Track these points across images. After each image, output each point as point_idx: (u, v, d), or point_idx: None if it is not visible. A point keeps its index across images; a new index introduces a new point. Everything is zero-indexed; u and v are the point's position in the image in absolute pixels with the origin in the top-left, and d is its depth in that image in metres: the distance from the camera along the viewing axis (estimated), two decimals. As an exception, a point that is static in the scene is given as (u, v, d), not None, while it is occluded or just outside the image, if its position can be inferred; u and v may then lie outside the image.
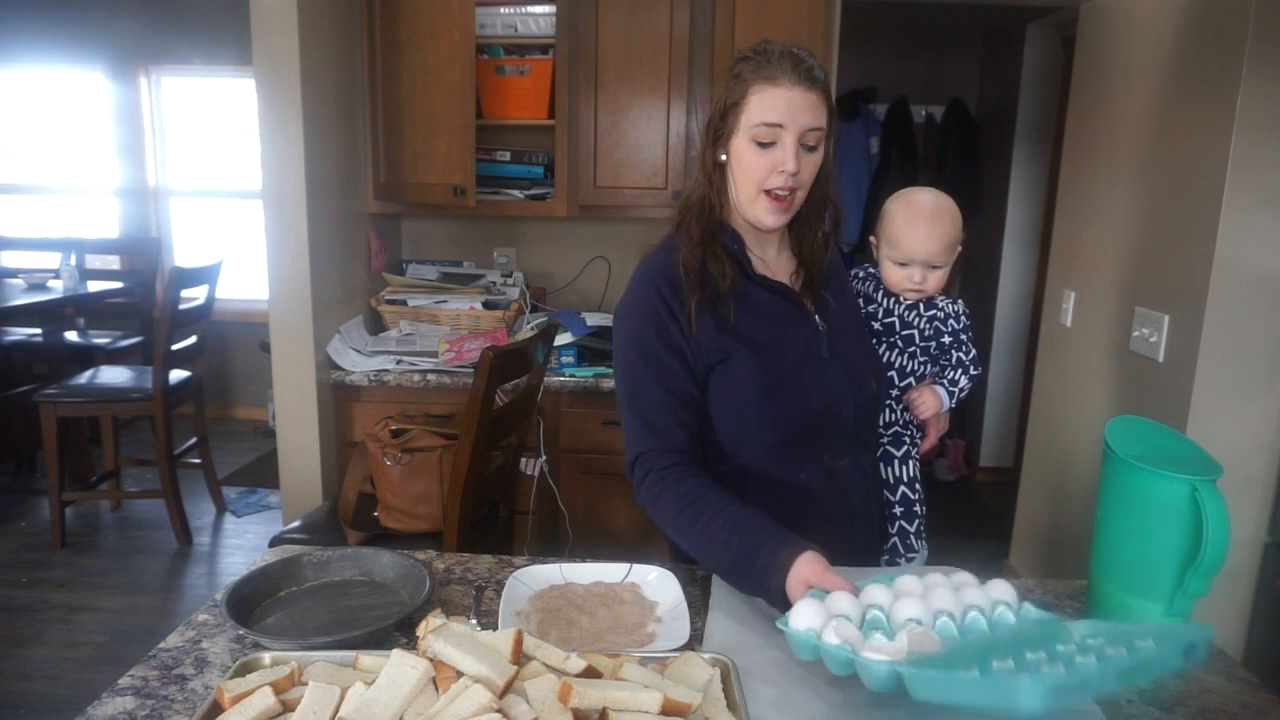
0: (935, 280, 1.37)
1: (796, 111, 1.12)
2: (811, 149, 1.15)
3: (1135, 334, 2.29)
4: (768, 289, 1.23)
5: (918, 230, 1.33)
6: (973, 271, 4.47)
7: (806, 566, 0.99)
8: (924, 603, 0.92)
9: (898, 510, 1.40)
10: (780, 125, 1.12)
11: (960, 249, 1.38)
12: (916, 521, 1.40)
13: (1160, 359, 2.18)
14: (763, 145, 1.14)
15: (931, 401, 1.38)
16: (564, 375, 2.52)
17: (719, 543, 1.07)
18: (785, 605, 0.99)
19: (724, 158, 1.19)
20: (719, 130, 1.18)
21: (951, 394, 1.41)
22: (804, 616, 0.91)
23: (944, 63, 4.43)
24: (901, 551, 1.38)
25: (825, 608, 0.92)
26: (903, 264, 1.36)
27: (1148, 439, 1.03)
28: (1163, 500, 0.95)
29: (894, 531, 1.40)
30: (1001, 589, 0.95)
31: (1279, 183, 1.93)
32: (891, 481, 1.40)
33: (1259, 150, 1.92)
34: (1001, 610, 0.92)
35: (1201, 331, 2.01)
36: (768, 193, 1.16)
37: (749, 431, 1.21)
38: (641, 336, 1.19)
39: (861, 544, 1.31)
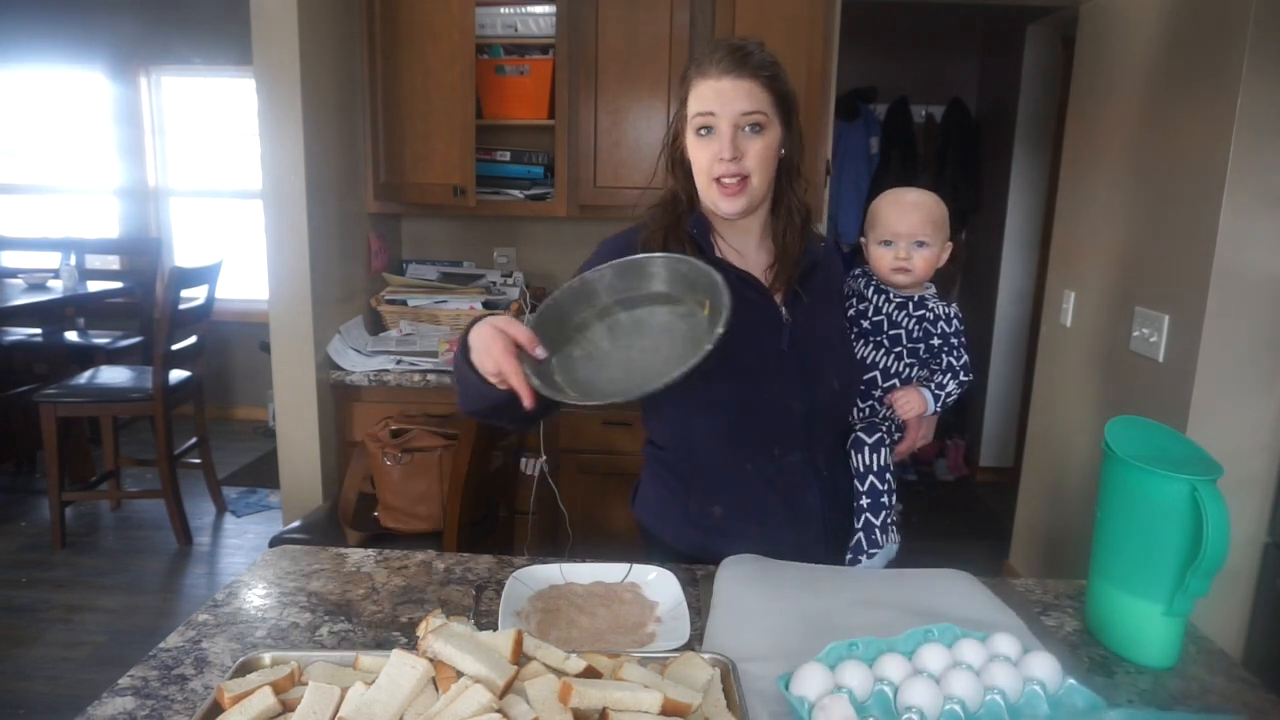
0: (922, 260, 1.35)
1: (726, 99, 1.16)
2: (755, 132, 1.18)
3: (1135, 334, 2.29)
4: (728, 273, 1.24)
5: (901, 207, 1.36)
6: (973, 271, 4.47)
7: (475, 341, 1.05)
8: (935, 687, 0.84)
9: (864, 502, 1.33)
10: (712, 113, 1.16)
11: (951, 244, 1.39)
12: (883, 514, 1.33)
13: (1160, 359, 2.18)
14: (703, 136, 1.18)
15: (916, 403, 1.35)
16: (564, 375, 2.52)
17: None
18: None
19: (686, 154, 1.24)
20: (677, 128, 1.24)
21: (938, 398, 1.37)
22: (806, 682, 0.86)
23: (944, 63, 4.43)
24: (865, 548, 1.32)
25: (832, 677, 0.86)
26: (887, 242, 1.36)
27: (1148, 439, 1.03)
28: (1163, 500, 0.95)
29: (859, 526, 1.33)
30: (1042, 664, 0.87)
31: (1279, 183, 1.93)
32: (861, 469, 1.34)
33: (1259, 150, 1.92)
34: (1032, 693, 0.85)
35: (1201, 331, 2.01)
36: (717, 181, 1.19)
37: (692, 413, 1.24)
38: None
39: (811, 540, 1.28)
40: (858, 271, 1.45)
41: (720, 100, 1.16)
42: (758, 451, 1.25)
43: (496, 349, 1.01)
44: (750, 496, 1.26)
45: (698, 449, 1.26)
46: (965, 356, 1.39)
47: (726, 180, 1.18)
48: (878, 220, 1.38)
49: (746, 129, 1.17)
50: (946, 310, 1.38)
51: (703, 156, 1.19)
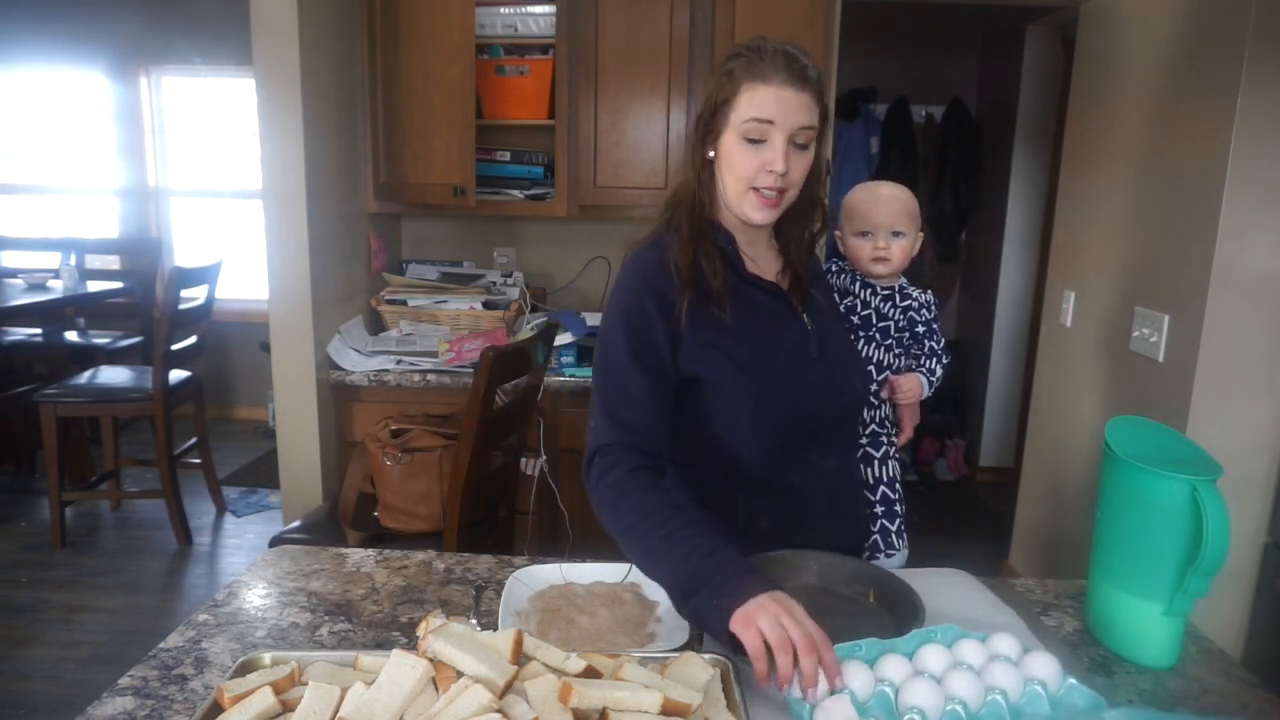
0: (899, 249, 1.40)
1: (788, 110, 1.11)
2: (802, 147, 1.14)
3: (1135, 334, 2.29)
4: (759, 289, 1.22)
5: (877, 198, 1.41)
6: (973, 271, 4.47)
7: (771, 600, 0.88)
8: (937, 687, 0.84)
9: (879, 510, 1.42)
10: (771, 122, 1.11)
11: (922, 235, 1.43)
12: (898, 521, 1.42)
13: (1160, 359, 2.18)
14: (752, 142, 1.13)
15: (916, 387, 1.41)
16: (564, 375, 2.52)
17: (677, 554, 0.98)
18: (726, 637, 0.89)
19: (712, 154, 1.18)
20: (709, 126, 1.17)
21: (930, 383, 1.44)
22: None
23: (944, 63, 4.43)
24: (881, 548, 1.41)
25: None
26: (865, 233, 1.40)
27: (1148, 439, 1.03)
28: (1163, 500, 0.95)
29: (875, 530, 1.41)
30: (1043, 664, 0.88)
31: (1279, 183, 1.93)
32: (871, 482, 1.42)
33: (1259, 150, 1.92)
34: (1033, 692, 0.85)
35: (1201, 331, 2.01)
36: (756, 190, 1.15)
37: (741, 434, 1.19)
38: (630, 336, 1.16)
39: (850, 542, 1.30)
40: (832, 267, 1.48)
41: (782, 111, 1.10)
42: (800, 462, 1.23)
43: (808, 666, 0.83)
44: (795, 506, 1.24)
45: (744, 467, 1.20)
46: (942, 339, 1.47)
47: (767, 192, 1.14)
48: (854, 213, 1.42)
49: (796, 143, 1.13)
50: (925, 298, 1.46)
51: (748, 164, 1.13)
